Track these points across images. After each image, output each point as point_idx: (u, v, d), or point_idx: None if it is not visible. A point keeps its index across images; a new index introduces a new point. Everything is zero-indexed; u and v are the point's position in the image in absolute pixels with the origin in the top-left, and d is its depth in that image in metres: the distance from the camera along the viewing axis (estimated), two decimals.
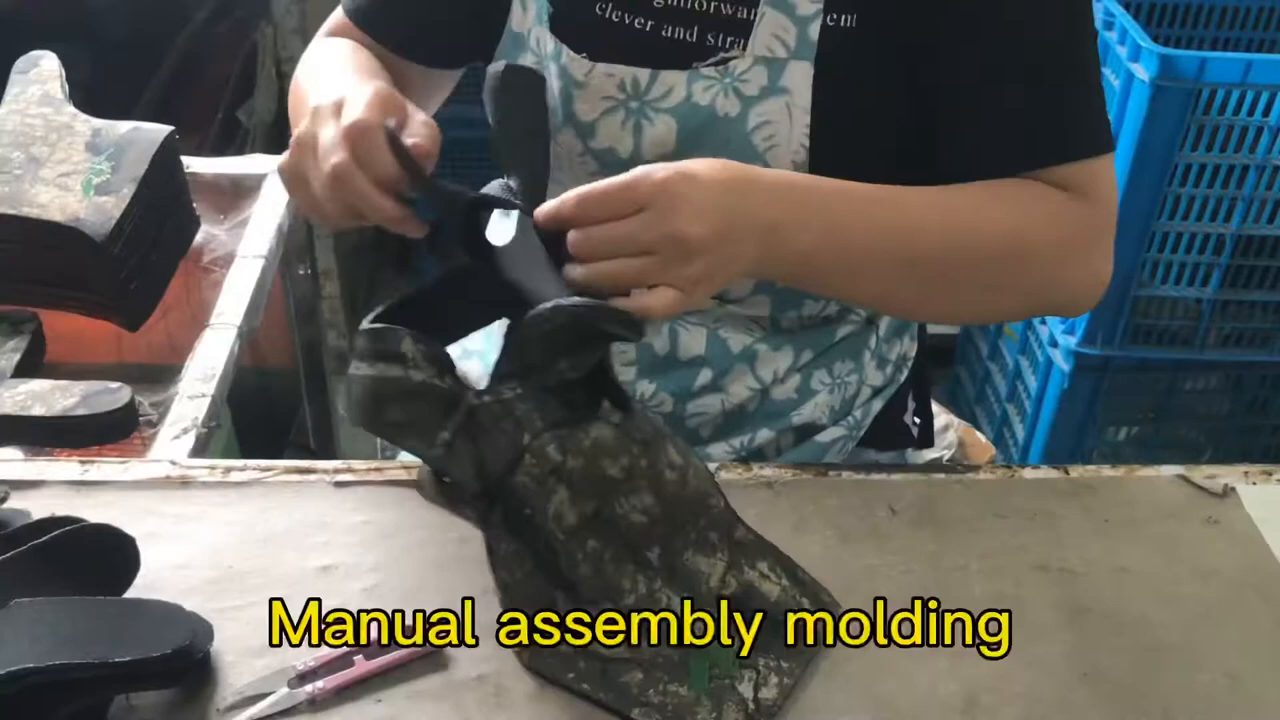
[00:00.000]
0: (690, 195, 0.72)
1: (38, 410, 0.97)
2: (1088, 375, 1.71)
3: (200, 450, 0.98)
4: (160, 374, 1.16)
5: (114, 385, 1.00)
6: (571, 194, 0.72)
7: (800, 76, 0.84)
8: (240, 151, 1.78)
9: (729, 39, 0.85)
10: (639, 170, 0.72)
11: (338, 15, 1.01)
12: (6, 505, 0.78)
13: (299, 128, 0.78)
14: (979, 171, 0.84)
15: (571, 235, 0.72)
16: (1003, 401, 1.96)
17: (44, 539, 0.72)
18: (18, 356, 1.06)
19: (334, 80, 0.86)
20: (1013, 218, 0.84)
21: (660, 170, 0.72)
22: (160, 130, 1.20)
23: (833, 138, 0.85)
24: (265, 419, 1.62)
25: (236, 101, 1.96)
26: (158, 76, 1.81)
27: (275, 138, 1.97)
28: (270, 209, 1.31)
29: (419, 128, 0.76)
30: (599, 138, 0.89)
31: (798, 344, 0.95)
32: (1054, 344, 1.75)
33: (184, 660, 0.69)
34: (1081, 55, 0.85)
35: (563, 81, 0.88)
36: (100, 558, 0.73)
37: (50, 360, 1.09)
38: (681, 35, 0.86)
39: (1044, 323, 1.79)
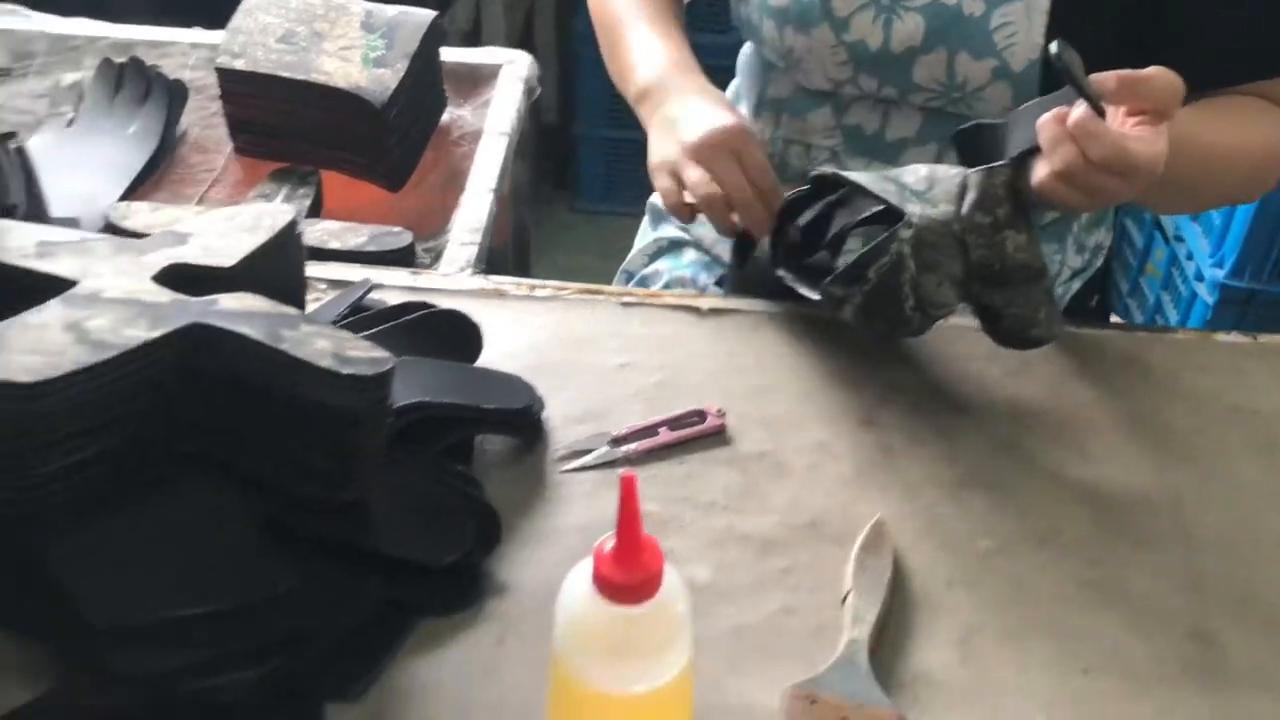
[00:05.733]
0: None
1: (333, 245, 1.14)
2: (1231, 308, 1.81)
3: None
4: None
5: (395, 229, 1.17)
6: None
7: None
8: None
9: None
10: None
11: None
12: (369, 297, 0.94)
13: (675, 152, 0.96)
14: (1205, 81, 0.96)
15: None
16: None
17: (410, 317, 0.88)
18: (307, 203, 1.23)
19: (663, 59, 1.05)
20: (1248, 134, 0.96)
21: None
22: (426, 15, 1.35)
23: (1068, 39, 0.97)
24: None
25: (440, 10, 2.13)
26: None
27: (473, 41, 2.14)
28: (507, 95, 1.46)
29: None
30: (851, 31, 1.02)
31: None
32: (1199, 278, 1.84)
33: (529, 416, 0.85)
34: None
35: None
36: (453, 337, 0.88)
37: (323, 217, 1.26)
38: None
39: (1190, 257, 1.89)
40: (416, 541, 0.74)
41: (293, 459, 0.70)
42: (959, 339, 0.95)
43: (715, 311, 0.98)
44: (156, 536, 0.66)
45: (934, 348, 0.95)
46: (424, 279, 1.01)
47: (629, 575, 0.59)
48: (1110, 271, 1.20)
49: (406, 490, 0.76)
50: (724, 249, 1.18)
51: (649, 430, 0.87)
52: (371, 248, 1.15)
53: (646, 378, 0.92)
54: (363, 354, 0.70)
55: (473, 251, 1.21)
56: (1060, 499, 0.84)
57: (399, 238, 1.16)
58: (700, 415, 0.88)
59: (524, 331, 0.95)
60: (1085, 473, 0.86)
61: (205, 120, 1.32)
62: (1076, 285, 1.14)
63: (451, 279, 1.02)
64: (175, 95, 1.32)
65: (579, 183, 2.75)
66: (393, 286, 0.99)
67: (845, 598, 0.75)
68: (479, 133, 1.42)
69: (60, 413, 0.63)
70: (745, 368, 0.93)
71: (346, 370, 0.69)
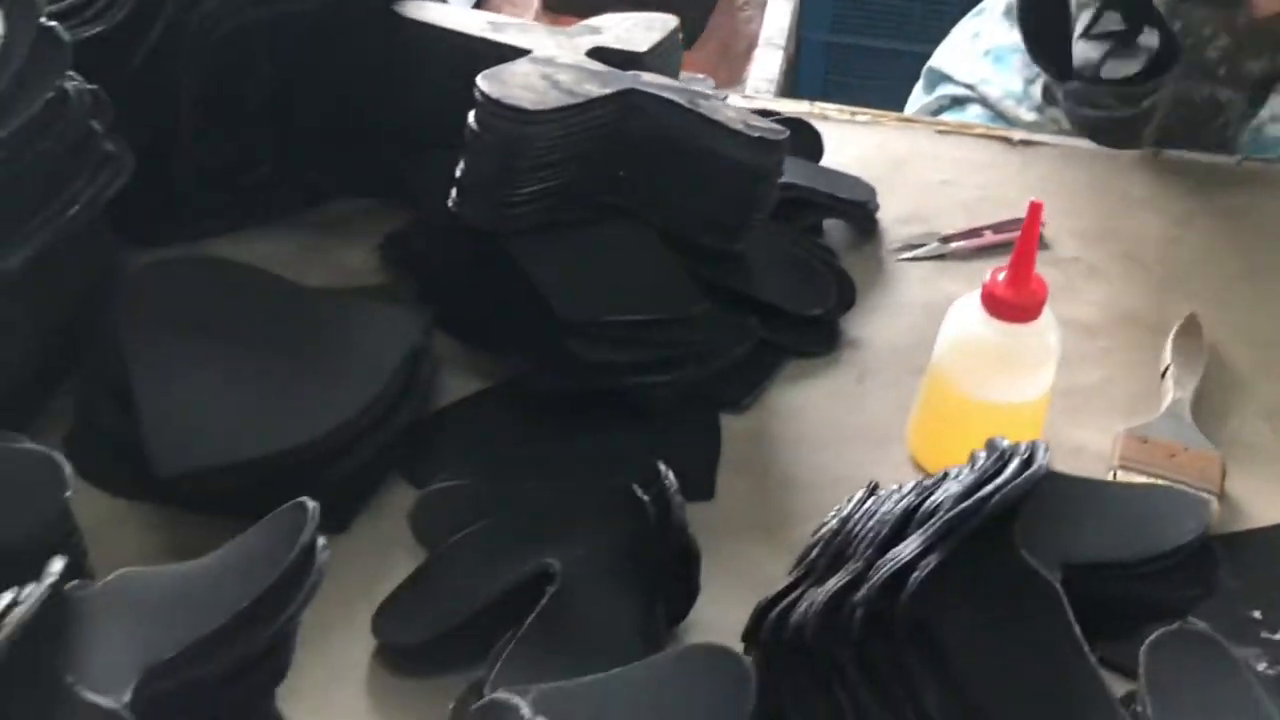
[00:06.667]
0: None
1: None
2: None
3: None
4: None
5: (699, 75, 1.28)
6: None
7: None
8: None
9: None
10: None
11: None
12: None
13: None
14: None
15: None
16: None
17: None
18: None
19: None
20: None
21: None
22: None
23: None
24: None
25: None
26: None
27: None
28: None
29: None
30: None
31: None
32: None
33: (870, 209, 0.96)
34: None
35: None
36: (798, 141, 1.00)
37: None
38: None
39: None
40: (787, 294, 0.87)
41: (697, 212, 0.83)
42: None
43: (1026, 143, 1.08)
44: (607, 255, 0.80)
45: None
46: (757, 104, 1.12)
47: (1021, 295, 0.70)
48: None
49: (779, 252, 0.88)
50: (1010, 104, 1.27)
51: (975, 232, 0.97)
52: None
53: (966, 193, 1.02)
54: (763, 123, 0.82)
55: (772, 88, 1.33)
56: None
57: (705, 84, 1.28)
58: (1019, 223, 0.98)
59: (849, 149, 1.06)
60: None
61: None
62: None
63: (781, 102, 1.13)
64: None
65: (799, 85, 2.84)
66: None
67: (1165, 371, 0.85)
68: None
69: (541, 141, 0.76)
70: (1054, 191, 1.02)
71: (755, 133, 0.81)
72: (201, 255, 0.85)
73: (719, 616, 0.66)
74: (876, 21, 2.27)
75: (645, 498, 0.67)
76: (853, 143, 1.07)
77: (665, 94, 0.82)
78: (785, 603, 0.58)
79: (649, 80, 0.84)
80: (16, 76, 0.69)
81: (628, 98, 0.81)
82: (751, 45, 1.50)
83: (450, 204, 0.79)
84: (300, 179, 0.93)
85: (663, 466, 0.67)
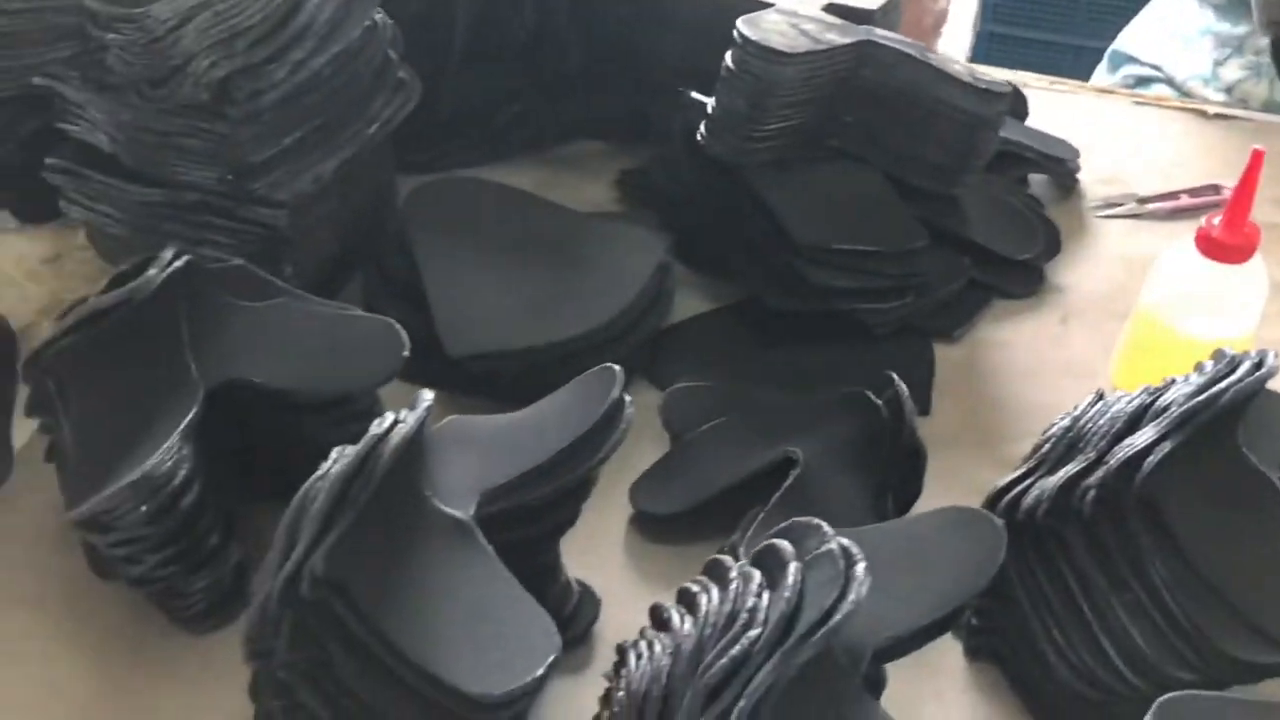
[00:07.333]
0: None
1: None
2: None
3: None
4: None
5: None
6: None
7: None
8: None
9: None
10: None
11: None
12: None
13: None
14: None
15: None
16: None
17: None
18: None
19: None
20: None
21: None
22: None
23: None
24: None
25: None
26: None
27: None
28: None
29: None
30: None
31: None
32: None
33: (1071, 166, 1.02)
34: None
35: None
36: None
37: None
38: None
39: None
40: (998, 237, 0.93)
41: (919, 156, 0.90)
42: None
43: (1220, 116, 1.12)
44: (836, 190, 0.87)
45: None
46: None
47: (1235, 237, 0.76)
48: None
49: (991, 199, 0.95)
50: (1197, 85, 1.31)
51: (1172, 195, 1.02)
52: None
53: (1162, 159, 1.07)
54: (988, 77, 0.89)
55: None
56: None
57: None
58: (1215, 189, 1.03)
59: (1050, 114, 1.11)
60: None
61: None
62: None
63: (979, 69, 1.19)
64: None
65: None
66: None
67: None
68: None
69: (790, 82, 0.84)
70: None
71: (982, 84, 0.88)
72: (470, 177, 0.95)
73: None
74: (1038, 12, 2.30)
75: (878, 402, 0.75)
76: (1053, 109, 1.13)
77: (899, 46, 0.89)
78: (1017, 490, 0.65)
79: (882, 34, 0.91)
80: (344, 5, 0.79)
81: (864, 48, 0.88)
82: (939, 22, 1.55)
83: (699, 137, 0.87)
84: (546, 119, 1.03)
85: (895, 376, 0.75)
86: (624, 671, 0.55)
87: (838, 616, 0.48)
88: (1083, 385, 0.86)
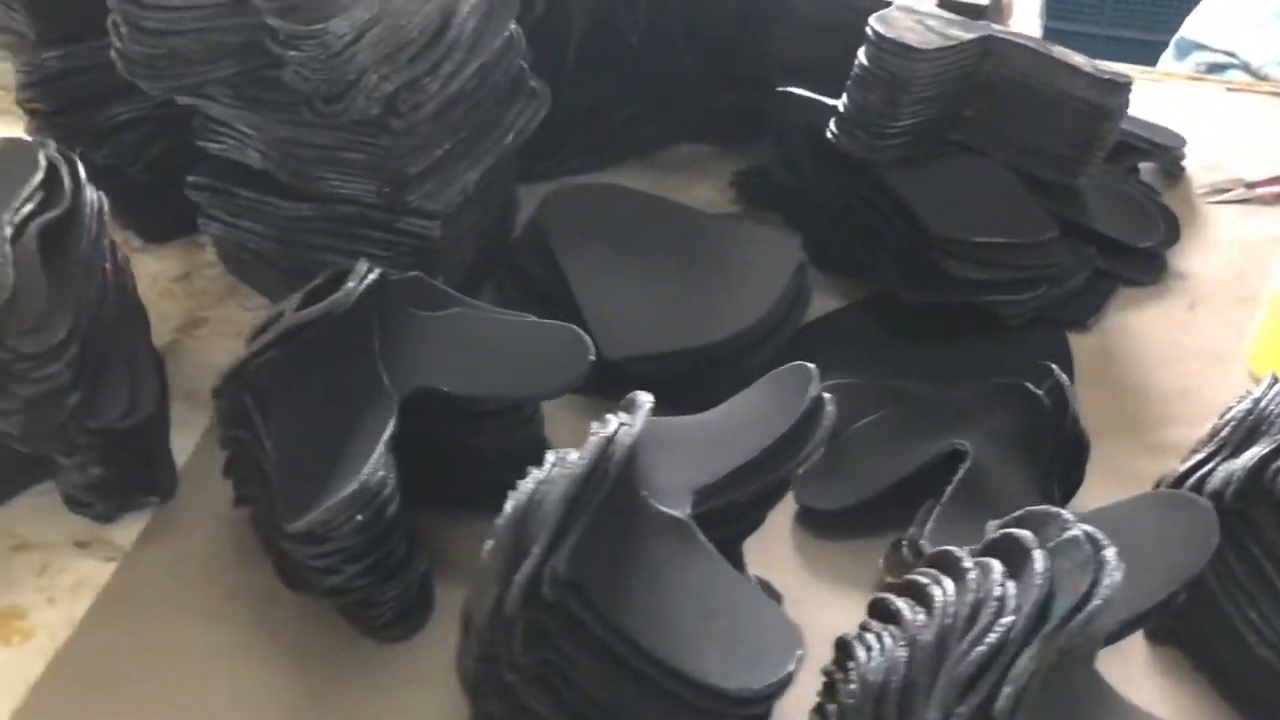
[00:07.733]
0: None
1: None
2: None
3: None
4: None
5: None
6: None
7: None
8: None
9: None
10: None
11: None
12: None
13: None
14: None
15: None
16: None
17: None
18: None
19: None
20: None
21: None
22: None
23: None
24: None
25: None
26: None
27: None
28: None
29: None
30: None
31: None
32: None
33: (1178, 154, 1.03)
34: None
35: None
36: None
37: None
38: None
39: None
40: (1120, 226, 0.94)
41: (1041, 147, 0.91)
42: None
43: None
44: (965, 184, 0.88)
45: None
46: None
47: None
48: None
49: (1110, 188, 0.96)
50: (1274, 68, 1.32)
51: (1274, 180, 1.03)
52: None
53: (1264, 143, 1.08)
54: (1108, 69, 0.90)
55: None
56: None
57: None
58: None
59: (1145, 103, 1.12)
60: None
61: None
62: None
63: None
64: None
65: None
66: None
67: None
68: None
69: (921, 78, 0.85)
70: None
71: (1104, 75, 0.88)
72: (601, 182, 0.96)
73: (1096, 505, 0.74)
74: (1089, 7, 2.31)
75: (1039, 392, 0.76)
76: (1147, 98, 1.13)
77: (1020, 39, 0.90)
78: (1200, 474, 0.66)
79: (1000, 29, 0.92)
80: (485, 17, 0.80)
81: (987, 42, 0.89)
82: (1008, 19, 1.57)
83: (829, 135, 0.88)
84: (657, 122, 1.04)
85: (1054, 367, 0.76)
86: (852, 664, 0.55)
87: (1097, 601, 0.49)
88: (1217, 370, 0.87)
